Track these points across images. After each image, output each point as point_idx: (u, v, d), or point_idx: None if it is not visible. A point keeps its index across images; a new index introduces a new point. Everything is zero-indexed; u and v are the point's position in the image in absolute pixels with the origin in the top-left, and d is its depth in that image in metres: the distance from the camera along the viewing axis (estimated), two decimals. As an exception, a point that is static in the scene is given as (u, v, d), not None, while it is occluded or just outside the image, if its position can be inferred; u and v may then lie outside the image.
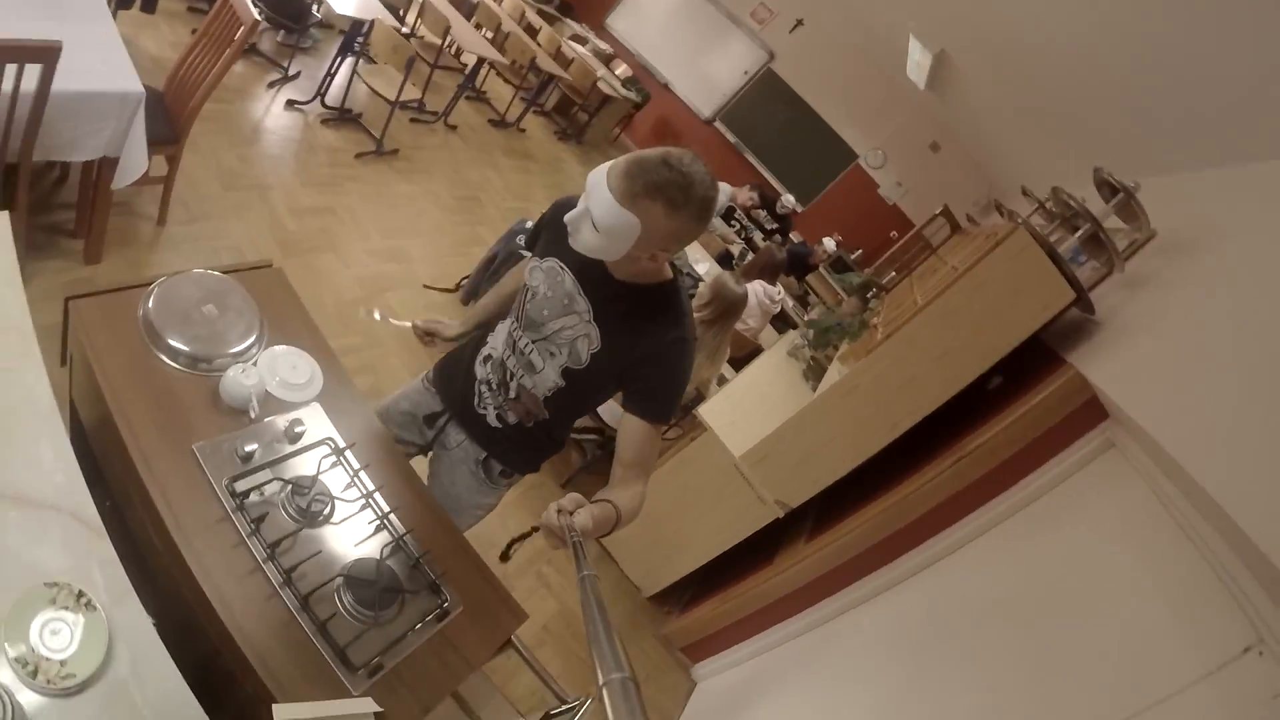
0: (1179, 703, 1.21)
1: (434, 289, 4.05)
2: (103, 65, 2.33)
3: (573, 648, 2.98)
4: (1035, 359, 2.58)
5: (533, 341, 1.56)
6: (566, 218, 1.38)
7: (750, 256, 6.16)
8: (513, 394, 1.63)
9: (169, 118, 2.81)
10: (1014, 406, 2.46)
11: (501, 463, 1.78)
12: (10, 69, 1.92)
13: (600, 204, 1.29)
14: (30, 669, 1.01)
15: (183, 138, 2.82)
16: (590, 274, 1.48)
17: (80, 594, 1.11)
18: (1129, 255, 2.35)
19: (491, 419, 1.70)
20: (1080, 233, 2.41)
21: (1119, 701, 1.30)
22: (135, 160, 2.48)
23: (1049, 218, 2.90)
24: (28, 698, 1.00)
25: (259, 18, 2.65)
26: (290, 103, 4.52)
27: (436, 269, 4.22)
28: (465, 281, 4.13)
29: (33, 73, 1.97)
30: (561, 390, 1.57)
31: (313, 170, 4.16)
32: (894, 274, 6.54)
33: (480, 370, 1.70)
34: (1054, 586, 1.87)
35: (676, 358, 1.46)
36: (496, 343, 1.67)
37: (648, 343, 1.45)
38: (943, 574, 2.45)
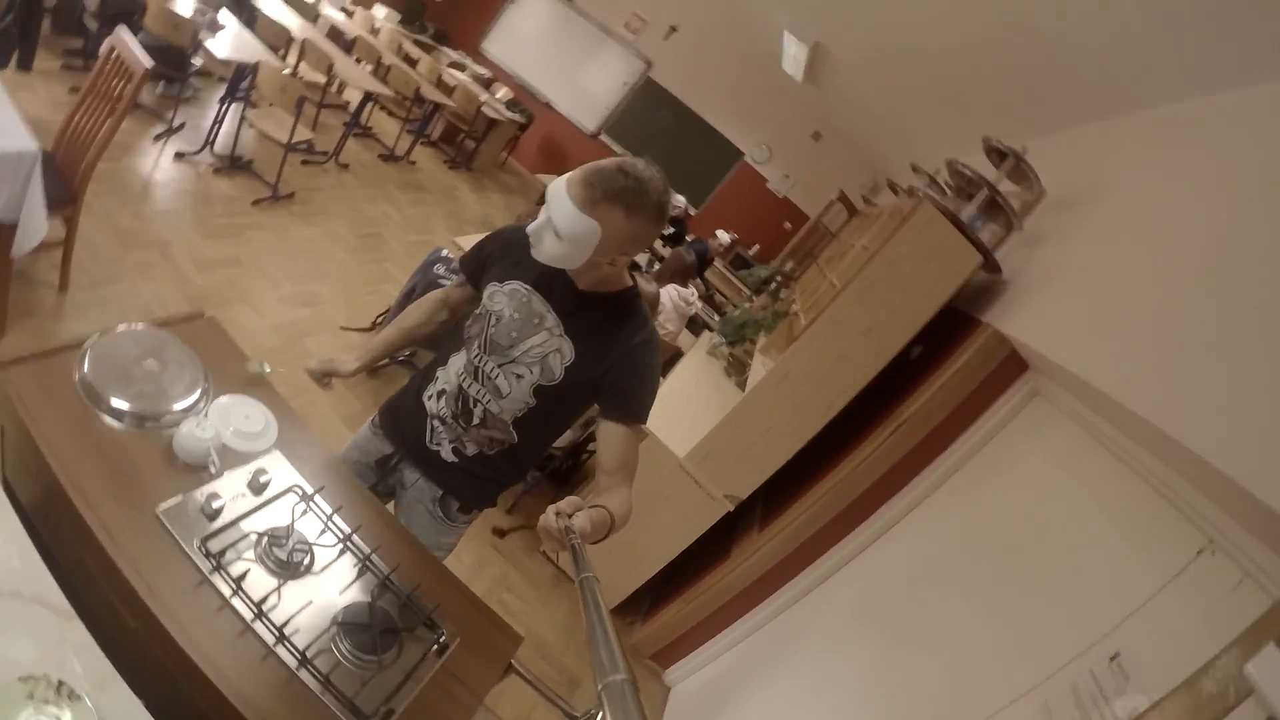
0: (1148, 611, 1.31)
1: (351, 329, 3.94)
2: None
3: (545, 671, 2.95)
4: (952, 325, 2.74)
5: (499, 365, 1.56)
6: (529, 228, 1.41)
7: (657, 264, 6.26)
8: (476, 420, 1.62)
9: (61, 178, 2.65)
10: (940, 371, 2.60)
11: (458, 499, 1.76)
12: None
13: (562, 213, 1.34)
14: None
15: (79, 197, 2.67)
16: (554, 289, 1.52)
17: (60, 684, 1.02)
18: (1025, 214, 2.52)
19: (446, 454, 1.68)
20: (977, 199, 2.57)
21: (1093, 623, 1.39)
22: (34, 224, 2.33)
23: (940, 190, 3.08)
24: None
25: (149, 65, 2.53)
26: (179, 154, 4.34)
27: (350, 309, 4.11)
28: (382, 318, 4.04)
29: None
30: (532, 410, 1.58)
31: (211, 221, 4.00)
32: (793, 264, 6.78)
33: (432, 405, 1.69)
34: (1009, 531, 1.99)
35: (645, 358, 1.52)
36: (449, 375, 1.66)
37: (618, 348, 1.50)
38: (899, 539, 2.56)
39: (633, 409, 1.50)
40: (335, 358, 1.84)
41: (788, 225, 8.94)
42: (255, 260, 3.96)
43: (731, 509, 3.16)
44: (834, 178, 7.96)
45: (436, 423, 1.68)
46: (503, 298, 1.57)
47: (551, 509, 1.16)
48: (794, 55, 5.97)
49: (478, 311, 1.62)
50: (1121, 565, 1.50)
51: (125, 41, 2.61)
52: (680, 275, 5.20)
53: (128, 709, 1.07)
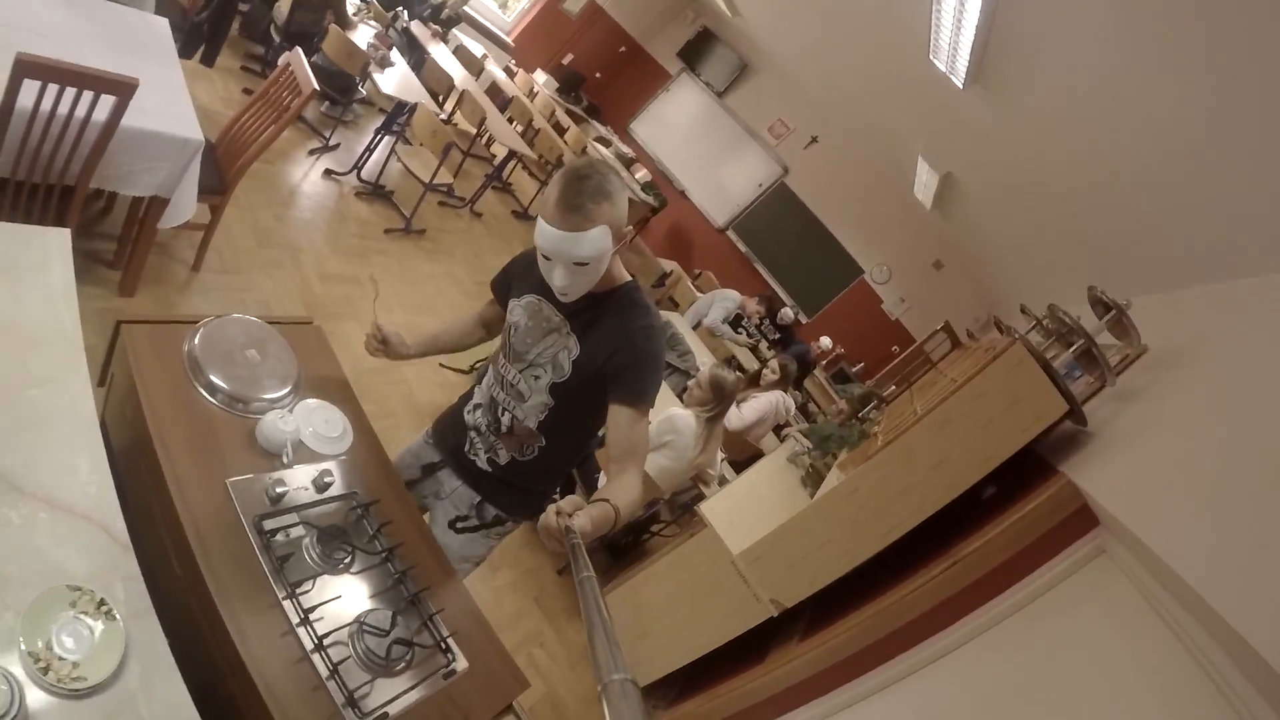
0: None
1: (449, 368, 4.15)
2: (168, 108, 2.49)
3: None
4: (1028, 469, 2.65)
5: (519, 371, 1.69)
6: (555, 286, 1.55)
7: (762, 370, 6.27)
8: (505, 428, 1.75)
9: (218, 169, 2.97)
10: (1007, 513, 2.52)
11: (495, 506, 1.88)
12: (87, 96, 2.07)
13: (572, 246, 1.46)
14: (42, 666, 1.02)
15: (229, 190, 2.98)
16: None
17: (102, 602, 1.13)
18: (1120, 370, 2.46)
19: (482, 463, 1.83)
20: (1074, 348, 2.52)
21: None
22: (185, 204, 2.62)
23: (1045, 334, 3.03)
24: (35, 694, 1.01)
25: (315, 87, 2.86)
26: (328, 172, 4.74)
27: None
28: (480, 364, 4.24)
29: (106, 104, 2.12)
30: (552, 410, 1.69)
31: (343, 239, 4.34)
32: (893, 387, 6.67)
33: (470, 418, 1.85)
34: (1047, 688, 1.89)
35: (645, 340, 1.61)
36: (484, 390, 1.82)
37: (620, 335, 1.60)
38: (935, 677, 2.44)
39: (635, 390, 1.57)
40: (401, 334, 1.98)
41: (895, 349, 8.82)
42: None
43: (775, 614, 3.09)
44: (948, 308, 7.84)
45: (474, 434, 1.83)
46: (520, 310, 1.71)
47: (552, 508, 1.21)
48: (925, 182, 6.04)
49: (505, 326, 1.78)
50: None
51: (300, 60, 2.95)
52: (785, 381, 5.22)
53: (154, 643, 1.17)
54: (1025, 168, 3.91)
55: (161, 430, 1.47)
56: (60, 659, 1.05)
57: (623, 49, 10.22)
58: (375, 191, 4.96)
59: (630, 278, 1.70)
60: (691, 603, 3.32)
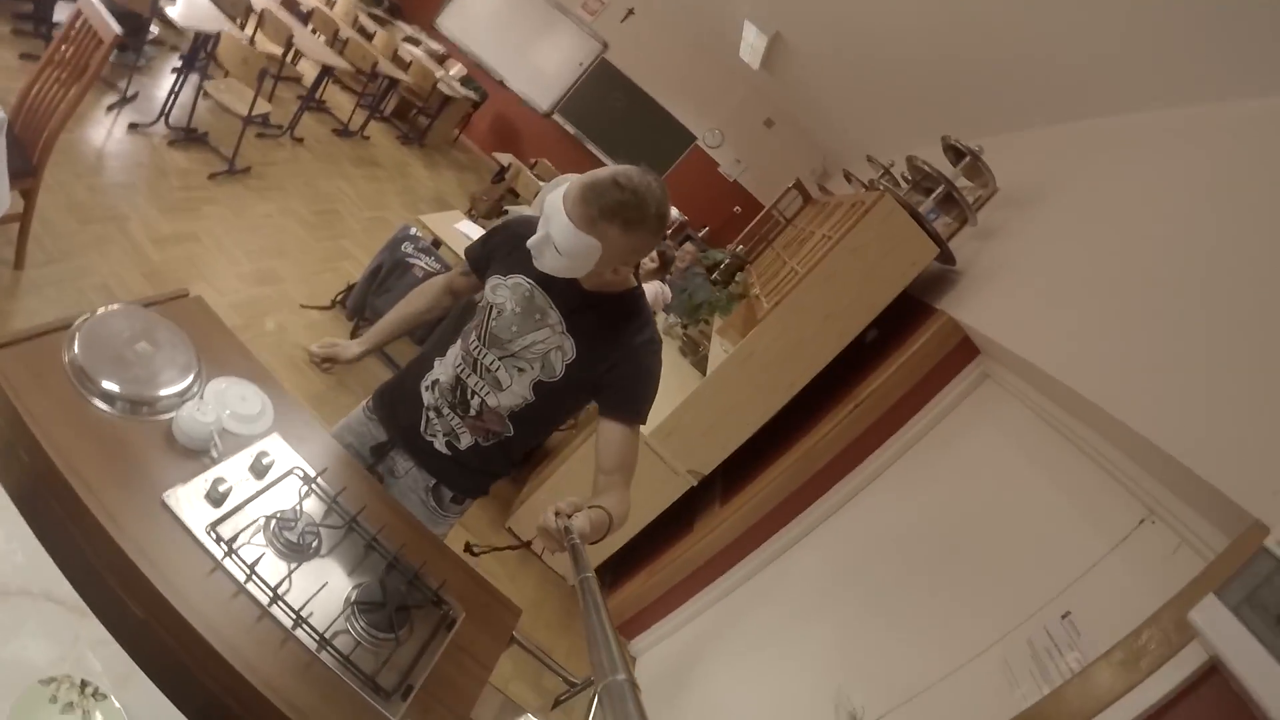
0: (1096, 575, 1.46)
1: (311, 307, 3.91)
2: None
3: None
4: (907, 311, 2.89)
5: (499, 359, 1.57)
6: (529, 243, 1.42)
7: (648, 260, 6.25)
8: (474, 412, 1.63)
9: (21, 149, 2.56)
10: (897, 354, 2.75)
11: (451, 489, 1.77)
12: None
13: (560, 230, 1.35)
14: None
15: (40, 170, 2.59)
16: (559, 287, 1.51)
17: (84, 684, 1.00)
18: (978, 208, 2.68)
19: (440, 445, 1.69)
20: (935, 194, 2.72)
21: (1045, 586, 1.54)
22: None
23: (894, 182, 3.23)
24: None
25: (119, 32, 2.47)
26: (133, 125, 4.20)
27: (309, 287, 4.07)
28: (343, 296, 4.02)
29: None
30: (530, 405, 1.59)
31: (167, 195, 3.90)
32: (745, 248, 6.92)
33: (427, 397, 1.69)
34: (964, 504, 2.15)
35: (648, 358, 1.53)
36: (446, 366, 1.66)
37: (621, 348, 1.51)
38: (857, 514, 2.71)
39: (634, 409, 1.51)
40: (338, 342, 1.82)
41: (738, 209, 9.08)
42: (212, 236, 3.88)
43: (695, 484, 3.27)
44: (786, 164, 8.12)
45: (432, 414, 1.68)
46: (505, 290, 1.57)
47: (551, 509, 1.18)
48: (752, 44, 6.06)
49: (480, 303, 1.62)
50: (1070, 534, 1.65)
51: (95, 5, 2.53)
52: (663, 270, 5.25)
53: (152, 703, 1.06)
54: (858, 21, 4.01)
55: (71, 462, 1.28)
56: None
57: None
58: (188, 136, 4.45)
59: (635, 284, 1.57)
60: (613, 490, 3.43)
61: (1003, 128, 3.29)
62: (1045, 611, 1.48)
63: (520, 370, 1.56)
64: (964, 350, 2.54)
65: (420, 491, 1.77)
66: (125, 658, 1.08)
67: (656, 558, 3.39)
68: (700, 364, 4.19)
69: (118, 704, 1.01)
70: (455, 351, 1.66)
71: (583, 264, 1.39)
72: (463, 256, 1.79)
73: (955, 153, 2.76)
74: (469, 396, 1.62)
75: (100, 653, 1.07)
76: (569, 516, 1.18)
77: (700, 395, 3.21)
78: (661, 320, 5.21)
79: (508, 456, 1.74)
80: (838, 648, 2.15)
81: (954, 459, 2.38)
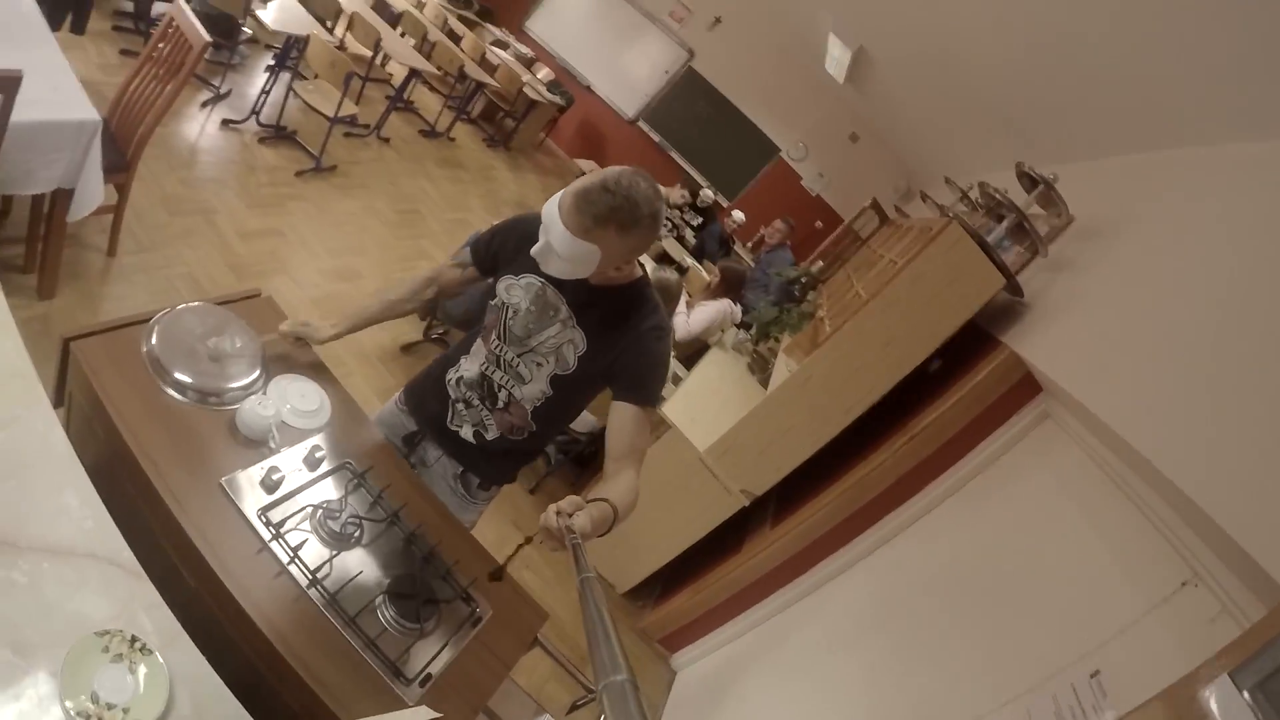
0: (1131, 635, 1.40)
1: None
2: (54, 92, 2.26)
3: (558, 647, 3.08)
4: (970, 341, 2.81)
5: (519, 354, 1.65)
6: (533, 251, 1.49)
7: (712, 278, 6.27)
8: (501, 404, 1.71)
9: (116, 145, 2.76)
10: (956, 386, 2.69)
11: (478, 475, 1.86)
12: None
13: (559, 239, 1.42)
14: None
15: (134, 165, 2.78)
16: (568, 283, 1.59)
17: (134, 639, 1.10)
18: (1051, 240, 2.59)
19: (467, 434, 1.78)
20: (1006, 222, 2.64)
21: (1078, 640, 1.49)
22: (92, 191, 2.44)
23: (971, 206, 3.15)
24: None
25: (208, 39, 2.64)
26: (225, 122, 4.45)
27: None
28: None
29: None
30: (549, 399, 1.67)
31: (255, 191, 4.12)
32: (822, 265, 6.84)
33: (454, 390, 1.78)
34: (1008, 546, 2.09)
35: (655, 342, 1.59)
36: (472, 364, 1.74)
37: (629, 335, 1.58)
38: (904, 546, 2.65)
39: (644, 393, 1.57)
40: (311, 323, 1.88)
41: (819, 224, 8.97)
42: (297, 232, 4.09)
43: (747, 504, 3.27)
44: (868, 180, 7.97)
45: (460, 405, 1.77)
46: (519, 291, 1.64)
47: (552, 508, 1.21)
48: (837, 57, 5.99)
49: (493, 303, 1.69)
50: (1109, 588, 1.59)
51: (184, 11, 2.70)
52: (735, 288, 5.24)
53: (194, 665, 1.15)
54: (942, 41, 3.93)
55: (142, 443, 1.41)
56: (109, 708, 1.02)
57: (506, -59, 9.65)
58: (278, 134, 4.68)
59: (641, 274, 1.63)
60: (664, 503, 3.46)
61: (1081, 155, 3.18)
62: (1075, 668, 1.43)
63: (538, 365, 1.64)
64: (1026, 387, 2.46)
65: (449, 479, 1.87)
66: (174, 621, 1.18)
67: (704, 574, 3.39)
68: (766, 382, 4.17)
69: (162, 660, 1.10)
70: (479, 349, 1.74)
71: (585, 267, 1.47)
72: (468, 251, 1.85)
73: (1029, 180, 2.68)
74: (496, 390, 1.72)
75: (152, 614, 1.17)
76: (570, 516, 1.19)
77: (757, 415, 3.20)
78: (731, 337, 5.21)
79: (532, 447, 1.84)
80: (867, 685, 2.12)
81: (1004, 499, 2.31)
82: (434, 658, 1.41)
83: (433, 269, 1.94)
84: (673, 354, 4.13)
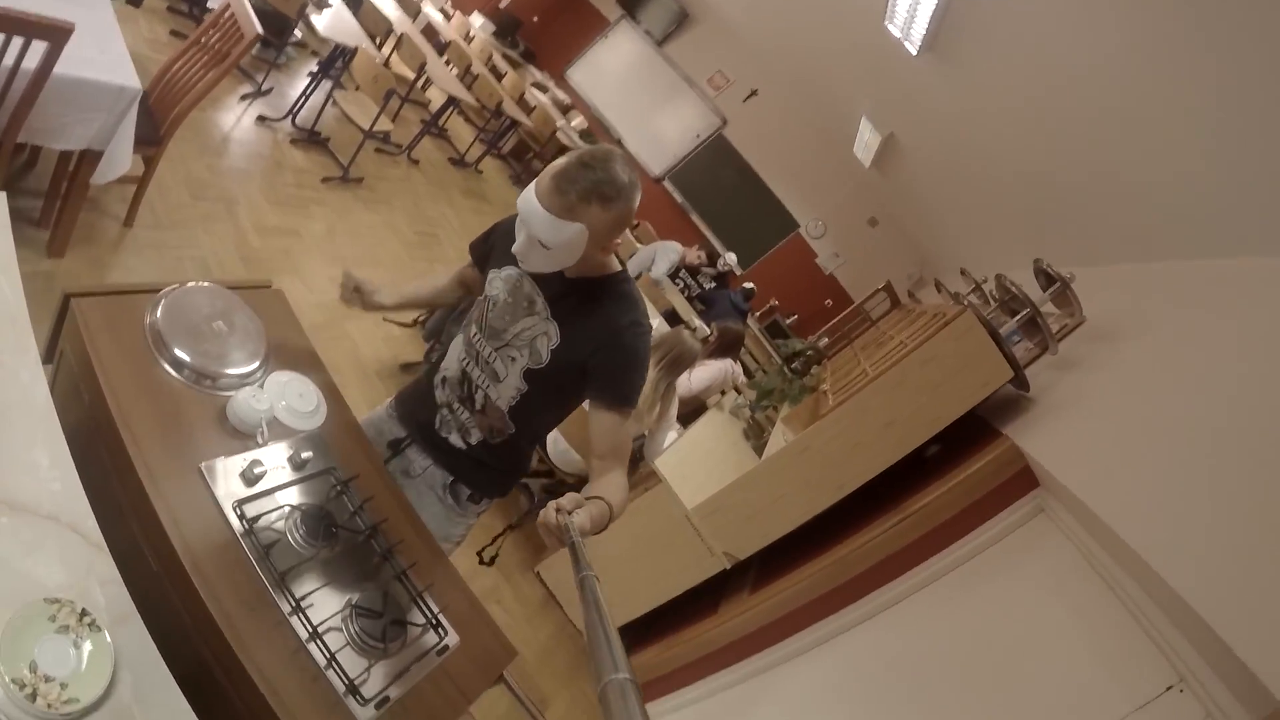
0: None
1: (393, 322, 4.08)
2: (101, 54, 2.29)
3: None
4: (971, 430, 2.80)
5: (495, 349, 1.63)
6: (513, 249, 1.48)
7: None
8: (478, 406, 1.69)
9: (151, 119, 2.78)
10: (953, 473, 2.65)
11: (468, 485, 1.82)
12: (16, 42, 1.88)
13: (541, 226, 1.39)
14: (29, 692, 0.94)
15: (165, 141, 2.80)
16: (545, 274, 1.56)
17: (84, 613, 1.04)
18: (1061, 338, 2.60)
19: (455, 440, 1.75)
20: (1020, 316, 2.65)
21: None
22: (120, 157, 2.45)
23: (984, 299, 3.17)
24: (24, 723, 0.92)
25: (259, 31, 2.69)
26: (261, 118, 4.52)
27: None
28: (424, 318, 4.17)
29: (36, 51, 1.94)
30: (524, 395, 1.63)
31: (279, 189, 4.16)
32: (828, 341, 6.87)
33: (439, 394, 1.77)
34: (990, 638, 2.03)
35: (633, 340, 1.55)
36: (451, 361, 1.74)
37: (604, 330, 1.55)
38: (884, 628, 2.58)
39: (622, 393, 1.54)
40: (373, 282, 1.88)
41: (829, 302, 9.04)
42: (313, 236, 4.11)
43: (728, 567, 3.21)
44: (883, 264, 8.07)
45: (445, 410, 1.76)
46: (499, 283, 1.64)
47: (552, 505, 1.20)
48: (866, 141, 6.12)
49: (480, 296, 1.70)
50: (1093, 688, 1.55)
51: (243, 2, 2.75)
52: (734, 348, 5.25)
53: (143, 650, 1.09)
54: (971, 137, 4.02)
55: (125, 413, 1.37)
56: (46, 680, 0.96)
57: (560, -8, 9.95)
58: (311, 139, 4.75)
59: (621, 267, 1.62)
60: (647, 555, 3.40)
61: (1099, 259, 3.21)
62: (1053, 771, 1.38)
63: (512, 359, 1.61)
64: (1023, 479, 2.43)
65: (438, 489, 1.82)
66: (129, 601, 1.13)
67: (676, 632, 3.31)
68: (760, 449, 4.14)
69: (110, 640, 1.04)
70: (459, 344, 1.72)
71: (572, 252, 1.44)
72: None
73: (1046, 277, 2.69)
74: (473, 390, 1.69)
75: (107, 590, 1.12)
76: (569, 513, 1.18)
77: (750, 479, 3.16)
78: (730, 401, 5.19)
79: (518, 453, 1.81)
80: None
81: (990, 590, 2.26)
82: (394, 680, 1.35)
83: (458, 268, 1.95)
84: (674, 410, 4.12)
